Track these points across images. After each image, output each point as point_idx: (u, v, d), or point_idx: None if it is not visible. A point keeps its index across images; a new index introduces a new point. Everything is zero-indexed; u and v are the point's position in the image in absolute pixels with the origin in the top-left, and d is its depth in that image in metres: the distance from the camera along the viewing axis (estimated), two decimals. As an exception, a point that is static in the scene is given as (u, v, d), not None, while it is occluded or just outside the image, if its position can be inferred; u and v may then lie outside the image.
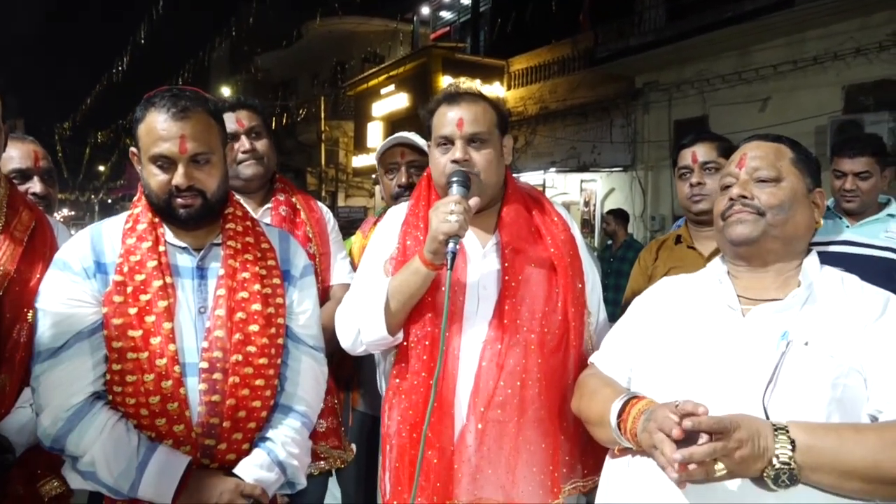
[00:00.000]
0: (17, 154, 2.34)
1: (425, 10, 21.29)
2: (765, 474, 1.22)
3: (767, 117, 9.99)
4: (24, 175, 2.34)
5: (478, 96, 1.86)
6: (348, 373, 2.55)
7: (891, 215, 2.87)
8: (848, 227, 2.82)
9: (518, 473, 1.68)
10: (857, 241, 2.68)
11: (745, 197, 1.49)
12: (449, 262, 1.64)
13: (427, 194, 1.92)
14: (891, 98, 9.12)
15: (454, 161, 1.78)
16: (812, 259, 1.52)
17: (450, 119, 1.81)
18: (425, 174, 1.99)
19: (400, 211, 2.00)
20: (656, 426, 1.28)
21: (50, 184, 2.41)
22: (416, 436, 1.70)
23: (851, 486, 1.24)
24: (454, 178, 1.74)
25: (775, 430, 1.24)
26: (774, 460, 1.21)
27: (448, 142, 1.81)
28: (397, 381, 1.83)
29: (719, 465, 1.21)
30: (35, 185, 2.35)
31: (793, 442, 1.22)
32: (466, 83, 1.91)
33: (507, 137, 1.90)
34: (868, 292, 1.45)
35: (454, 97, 1.85)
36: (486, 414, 1.69)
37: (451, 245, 1.64)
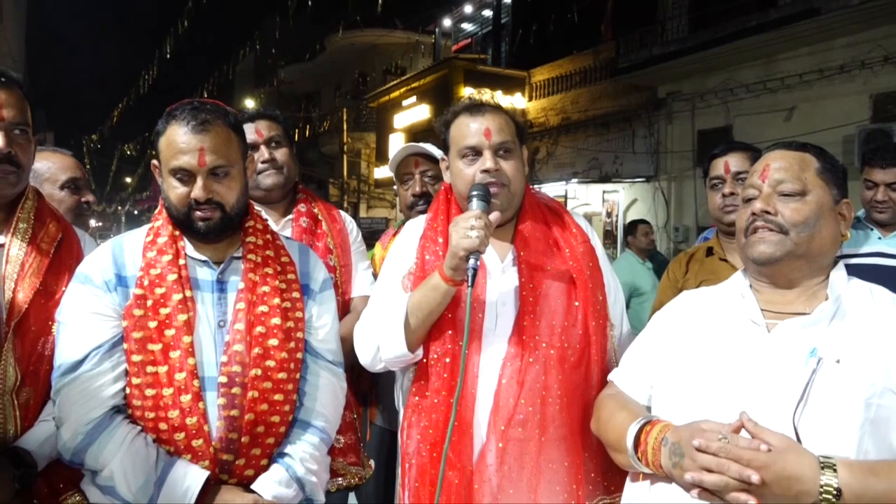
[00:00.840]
0: (67, 164, 2.38)
1: (447, 23, 21.40)
2: None
3: (793, 127, 9.87)
4: (77, 185, 2.38)
5: (498, 107, 1.85)
6: (367, 387, 2.53)
7: None
8: (880, 238, 2.74)
9: (540, 493, 1.64)
10: (889, 252, 2.61)
11: (767, 212, 1.42)
12: (470, 278, 1.61)
13: (446, 208, 1.89)
14: (920, 107, 8.97)
15: (485, 171, 1.76)
16: (839, 272, 1.45)
17: (475, 129, 1.79)
18: (443, 188, 1.96)
19: (417, 224, 1.97)
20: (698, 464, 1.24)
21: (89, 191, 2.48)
22: (437, 455, 1.67)
23: None
24: (474, 193, 1.72)
25: (822, 467, 1.18)
26: None
27: (475, 152, 1.79)
28: (416, 398, 1.81)
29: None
30: (88, 195, 2.41)
31: (839, 490, 1.16)
32: (485, 95, 1.88)
33: (524, 148, 1.88)
34: None
35: (477, 108, 1.83)
36: (506, 432, 1.65)
37: (471, 261, 1.61)
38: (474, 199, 1.71)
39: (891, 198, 2.75)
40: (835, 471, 1.17)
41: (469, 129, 1.80)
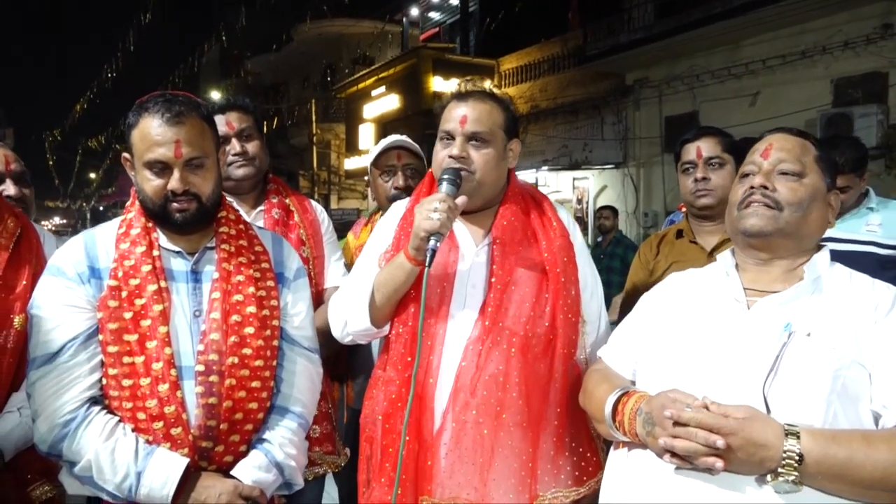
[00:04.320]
0: None
1: (414, 12, 21.30)
2: (769, 479, 1.22)
3: (757, 112, 10.05)
4: None
5: (487, 95, 1.85)
6: (342, 371, 2.56)
7: (870, 208, 2.89)
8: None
9: (490, 477, 1.66)
10: (839, 237, 2.69)
11: (765, 187, 1.46)
12: (428, 259, 1.63)
13: (428, 191, 1.90)
14: (879, 91, 9.19)
15: (451, 157, 1.78)
16: (823, 254, 1.50)
17: (455, 115, 1.81)
18: (429, 171, 1.97)
19: (401, 205, 2.00)
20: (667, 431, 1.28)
21: (24, 186, 2.41)
22: (388, 426, 1.74)
23: (855, 493, 1.24)
24: (444, 176, 1.74)
25: (787, 434, 1.22)
26: (781, 469, 1.21)
27: (450, 137, 1.81)
28: (379, 371, 1.86)
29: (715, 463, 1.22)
30: (8, 188, 2.35)
31: (801, 456, 1.20)
32: (479, 82, 1.89)
33: (514, 141, 1.88)
34: (877, 287, 1.43)
35: (464, 94, 1.85)
36: (461, 414, 1.68)
37: (431, 242, 1.64)
38: (444, 183, 1.73)
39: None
40: (798, 438, 1.21)
41: (451, 114, 1.82)
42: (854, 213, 2.88)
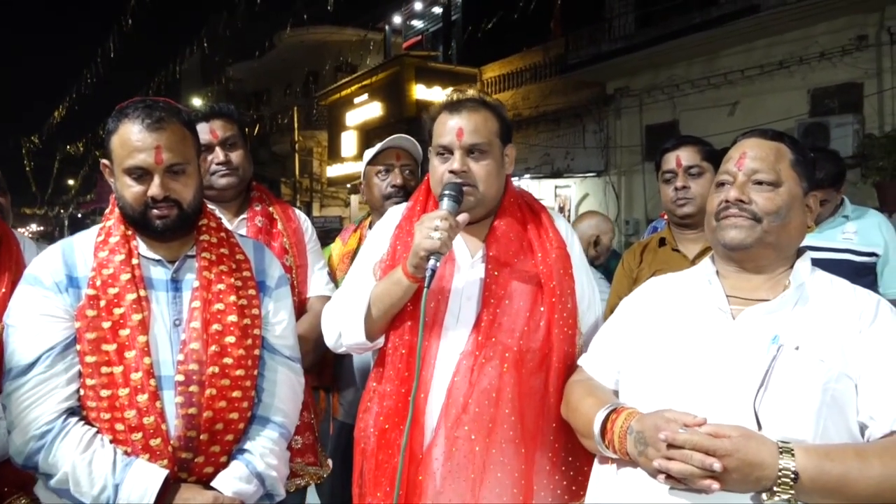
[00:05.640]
0: None
1: (397, 19, 21.36)
2: (765, 497, 1.22)
3: (736, 121, 10.19)
4: None
5: (480, 104, 1.80)
6: (328, 382, 2.53)
7: (845, 217, 2.94)
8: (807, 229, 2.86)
9: (481, 493, 1.63)
10: (818, 245, 2.73)
11: (741, 201, 1.45)
12: (427, 279, 1.61)
13: (425, 200, 1.88)
14: (855, 100, 9.37)
15: (451, 171, 1.74)
16: (804, 262, 1.48)
17: (449, 128, 1.76)
18: (425, 179, 1.93)
19: (397, 212, 1.96)
20: (659, 453, 1.27)
21: (0, 193, 2.38)
22: (384, 441, 1.72)
23: None
24: (446, 192, 1.70)
25: (781, 452, 1.21)
26: (776, 488, 1.20)
27: (447, 151, 1.76)
28: (374, 384, 1.83)
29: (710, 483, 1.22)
30: None
31: (796, 474, 1.20)
32: (470, 91, 1.84)
33: (509, 146, 1.85)
34: (859, 296, 1.42)
35: (455, 105, 1.79)
36: (453, 430, 1.65)
37: (431, 262, 1.60)
38: (445, 199, 1.70)
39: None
40: (792, 455, 1.21)
41: (445, 127, 1.77)
42: (830, 223, 2.93)
